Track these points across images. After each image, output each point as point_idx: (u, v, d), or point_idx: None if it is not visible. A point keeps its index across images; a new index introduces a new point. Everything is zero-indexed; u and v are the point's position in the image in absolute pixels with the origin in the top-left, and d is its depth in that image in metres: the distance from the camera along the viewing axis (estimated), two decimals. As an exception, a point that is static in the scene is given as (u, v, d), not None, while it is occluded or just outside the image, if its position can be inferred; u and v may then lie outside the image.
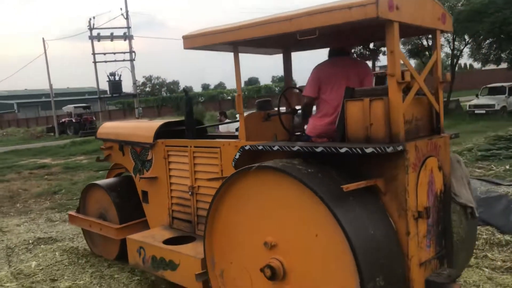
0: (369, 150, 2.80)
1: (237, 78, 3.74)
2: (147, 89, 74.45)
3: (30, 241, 6.62)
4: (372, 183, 2.91)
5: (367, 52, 32.00)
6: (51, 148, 22.23)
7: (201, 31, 3.75)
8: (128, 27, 21.80)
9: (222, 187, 3.36)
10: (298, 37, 3.11)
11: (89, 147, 20.17)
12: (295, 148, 3.18)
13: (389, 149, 2.78)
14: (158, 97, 51.96)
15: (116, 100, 46.35)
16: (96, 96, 31.25)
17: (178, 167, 4.52)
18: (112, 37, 21.23)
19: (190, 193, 4.32)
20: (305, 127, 4.24)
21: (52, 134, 36.60)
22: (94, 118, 36.36)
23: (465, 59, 59.89)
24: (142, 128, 5.12)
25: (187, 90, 4.91)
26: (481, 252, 4.85)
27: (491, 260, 4.68)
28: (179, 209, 4.54)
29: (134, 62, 21.49)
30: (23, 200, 10.15)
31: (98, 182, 5.64)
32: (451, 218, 3.38)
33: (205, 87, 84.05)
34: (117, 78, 21.88)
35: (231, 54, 3.69)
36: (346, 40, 3.74)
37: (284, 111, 4.42)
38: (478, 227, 5.23)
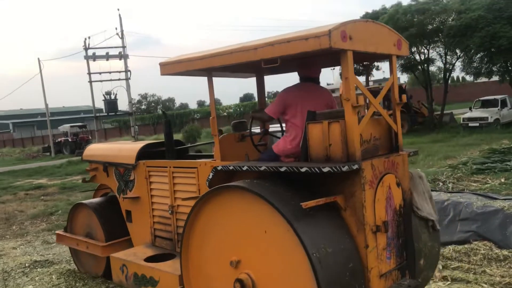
0: (325, 169, 2.96)
1: (211, 101, 3.98)
2: (143, 106, 74.62)
3: (27, 265, 6.57)
4: (331, 200, 3.05)
5: (360, 67, 32.27)
6: (47, 168, 22.14)
7: (176, 59, 3.94)
8: (123, 47, 21.93)
9: (194, 208, 3.53)
10: (262, 65, 3.28)
11: (85, 166, 20.03)
12: (262, 168, 3.33)
13: (344, 168, 2.94)
14: (153, 114, 52.01)
15: (112, 118, 46.38)
16: (92, 115, 31.32)
17: (159, 187, 4.69)
18: (107, 57, 21.32)
19: (170, 212, 4.47)
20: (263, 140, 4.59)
21: (48, 153, 36.49)
22: (90, 137, 36.31)
23: (457, 72, 60.52)
24: (125, 149, 5.30)
25: (165, 112, 5.19)
26: (479, 267, 4.85)
27: (490, 276, 4.68)
28: (160, 228, 4.70)
29: (129, 81, 21.65)
30: (19, 222, 10.08)
31: (85, 201, 5.79)
32: (412, 231, 3.48)
33: (201, 103, 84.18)
34: (112, 97, 21.95)
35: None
36: (312, 65, 3.90)
37: (258, 131, 4.62)
38: (476, 242, 5.28)
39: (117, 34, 22.06)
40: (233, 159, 4.01)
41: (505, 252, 5.07)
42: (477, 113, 21.37)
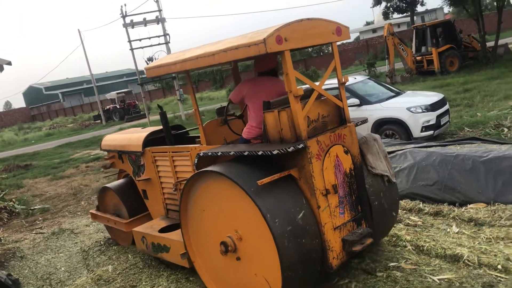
0: (275, 151, 3.59)
1: (192, 96, 4.68)
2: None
3: (102, 242, 6.95)
4: (285, 174, 3.69)
5: (404, 5, 30.59)
6: (102, 138, 22.80)
7: (157, 64, 4.63)
8: (160, 10, 21.68)
9: (184, 189, 4.31)
10: (221, 68, 4.28)
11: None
12: (231, 153, 3.98)
13: (290, 149, 3.55)
14: (194, 72, 52.06)
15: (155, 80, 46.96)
16: (135, 77, 31.85)
17: (164, 169, 5.52)
18: (145, 22, 21.20)
19: (174, 189, 5.25)
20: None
21: (99, 121, 37.71)
22: (136, 102, 37.11)
23: (510, -5, 55.96)
24: (133, 139, 6.10)
25: (160, 106, 6.02)
26: None
27: None
28: (170, 202, 5.57)
29: (169, 44, 21.56)
30: (86, 197, 10.59)
31: (108, 185, 6.67)
32: (365, 188, 4.11)
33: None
34: (154, 62, 21.93)
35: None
36: (265, 61, 4.44)
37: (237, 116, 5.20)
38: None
39: (152, -3, 21.79)
40: (219, 142, 4.79)
41: None
42: (536, 42, 19.87)
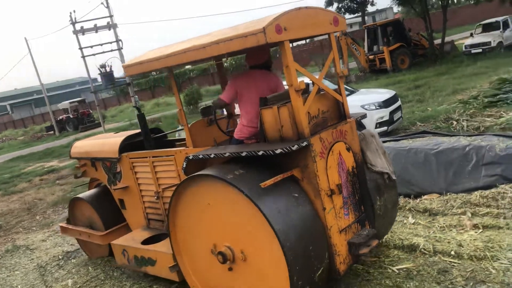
0: (278, 151, 3.32)
1: (176, 94, 4.37)
2: (137, 71, 73.27)
3: (60, 257, 6.71)
4: (288, 175, 3.44)
5: (355, 5, 31.37)
6: (55, 149, 22.12)
7: (137, 60, 4.24)
8: (111, 16, 21.20)
9: (173, 197, 3.98)
10: (213, 61, 3.80)
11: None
12: (226, 155, 3.66)
13: (294, 147, 3.30)
14: (149, 78, 51.13)
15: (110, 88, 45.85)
16: (87, 86, 30.96)
17: (143, 176, 5.09)
18: (96, 29, 20.67)
19: (156, 198, 4.89)
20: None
21: (52, 132, 36.42)
22: (90, 111, 36.10)
23: (453, -5, 58.45)
24: (108, 144, 5.65)
25: (138, 107, 5.72)
26: (509, 211, 4.86)
27: (519, 218, 4.72)
28: (151, 212, 5.16)
29: (122, 50, 21.13)
30: (41, 212, 10.18)
31: (80, 195, 6.12)
32: (367, 187, 3.92)
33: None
34: (107, 69, 21.45)
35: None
36: (257, 54, 4.13)
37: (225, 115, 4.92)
38: (502, 185, 5.30)
39: (102, 3, 21.34)
40: (206, 143, 4.40)
41: (532, 192, 5.08)
42: (479, 38, 20.86)
